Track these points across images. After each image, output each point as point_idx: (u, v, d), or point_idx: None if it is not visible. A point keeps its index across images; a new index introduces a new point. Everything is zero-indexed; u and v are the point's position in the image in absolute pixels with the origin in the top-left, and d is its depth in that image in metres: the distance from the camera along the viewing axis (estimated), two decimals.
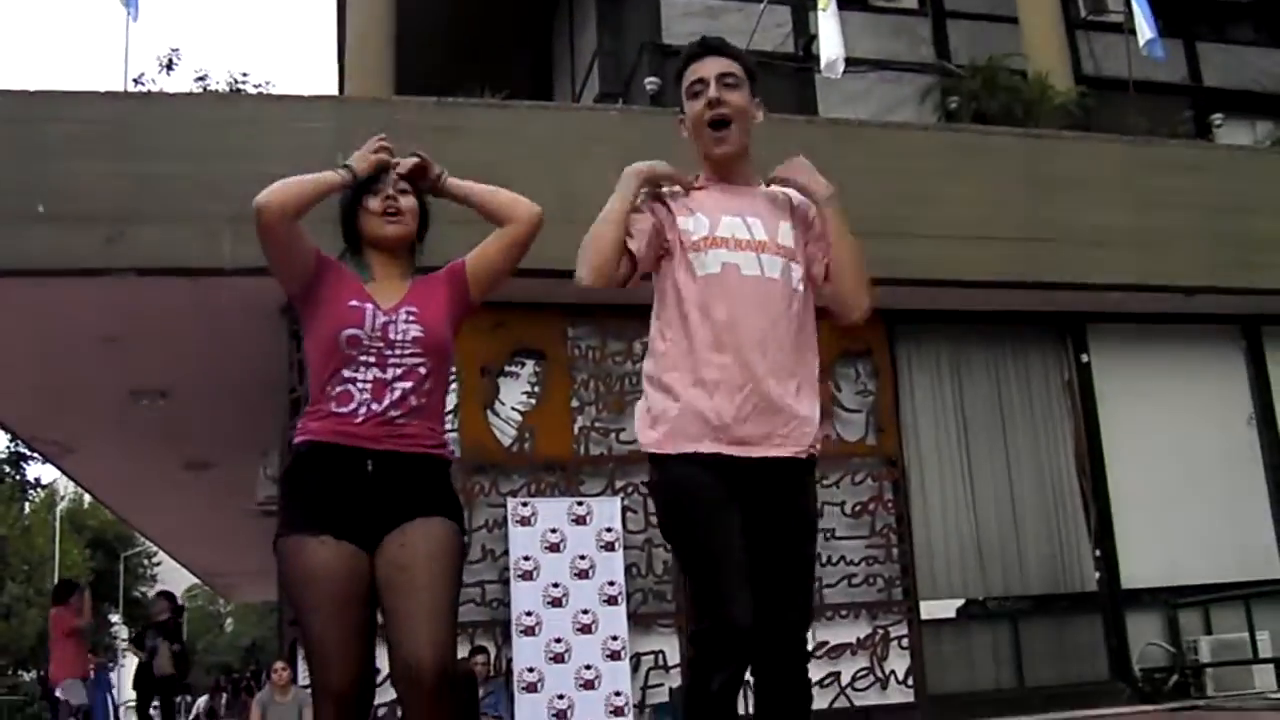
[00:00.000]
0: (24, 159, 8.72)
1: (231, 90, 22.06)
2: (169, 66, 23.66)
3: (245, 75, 31.67)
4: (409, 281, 3.24)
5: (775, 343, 3.04)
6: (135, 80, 21.23)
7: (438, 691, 2.87)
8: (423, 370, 3.09)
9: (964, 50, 13.45)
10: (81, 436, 13.26)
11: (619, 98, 13.17)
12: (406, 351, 3.08)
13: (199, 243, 8.60)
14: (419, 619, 2.91)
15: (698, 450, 2.96)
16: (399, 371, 3.07)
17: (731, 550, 2.90)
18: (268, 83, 26.90)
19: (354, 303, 3.10)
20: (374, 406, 3.03)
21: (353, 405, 3.03)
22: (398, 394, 3.06)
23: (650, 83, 12.27)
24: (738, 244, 3.08)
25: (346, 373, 3.06)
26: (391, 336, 3.07)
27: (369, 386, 3.05)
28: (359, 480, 3.00)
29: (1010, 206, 10.30)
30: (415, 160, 3.31)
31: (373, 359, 3.06)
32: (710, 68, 3.15)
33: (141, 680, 14.14)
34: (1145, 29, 11.63)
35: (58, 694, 12.24)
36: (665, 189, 3.20)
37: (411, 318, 3.12)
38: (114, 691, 16.01)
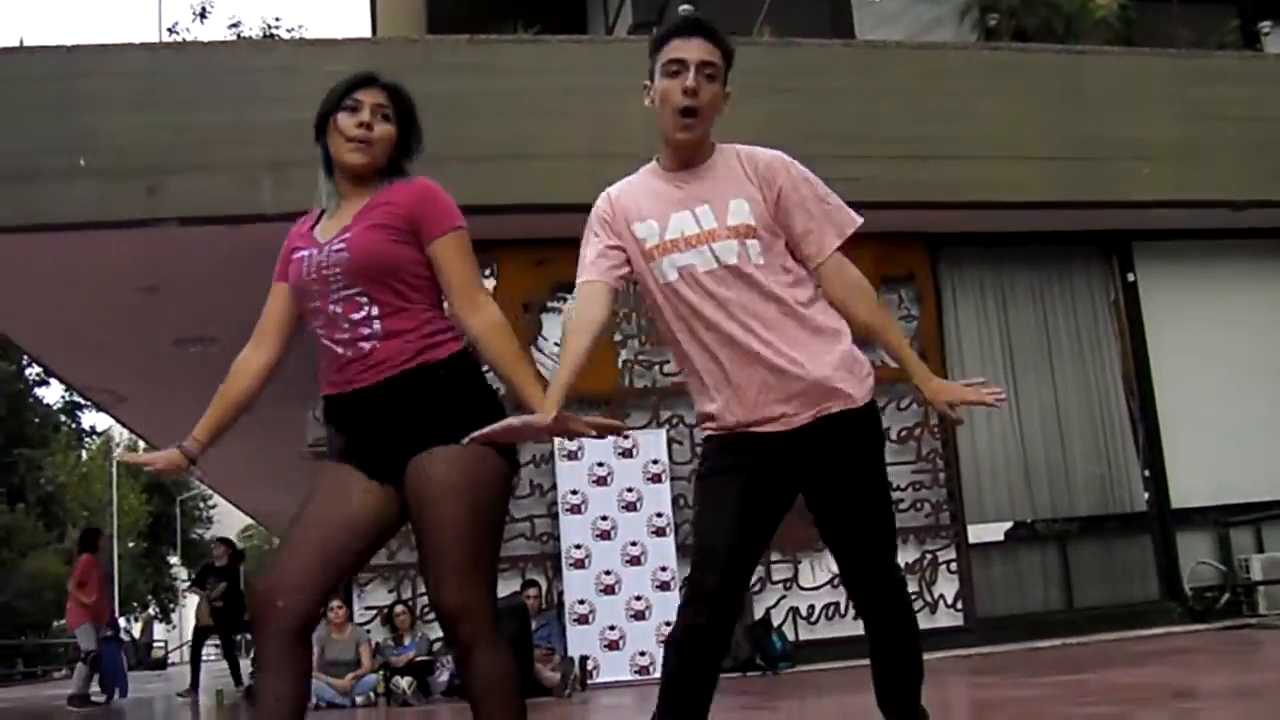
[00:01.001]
0: (64, 114, 8.78)
1: (265, 36, 22.05)
2: (202, 15, 23.69)
3: (278, 20, 31.64)
4: (368, 198, 3.04)
5: (755, 331, 2.97)
6: (170, 30, 21.26)
7: (459, 630, 2.81)
8: (361, 298, 2.92)
9: None
10: (132, 385, 13.42)
11: (653, 28, 13.03)
12: (339, 284, 2.92)
13: (238, 190, 8.65)
14: (433, 562, 2.83)
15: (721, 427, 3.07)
16: (339, 308, 2.93)
17: (721, 518, 2.98)
18: (300, 27, 26.86)
19: (296, 254, 3.02)
20: (338, 350, 2.94)
21: (328, 354, 2.97)
22: (346, 328, 2.93)
23: (684, 9, 12.14)
24: (688, 242, 3.00)
25: (312, 324, 3.01)
26: (325, 273, 2.94)
27: (325, 331, 2.96)
28: (356, 424, 2.95)
29: (1052, 124, 10.16)
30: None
31: (318, 302, 2.96)
32: (694, 52, 2.99)
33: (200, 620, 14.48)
34: None
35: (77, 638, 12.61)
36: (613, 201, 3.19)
37: (341, 245, 2.94)
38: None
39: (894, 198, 9.47)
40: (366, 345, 2.91)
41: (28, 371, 34.02)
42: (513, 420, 2.78)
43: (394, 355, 2.90)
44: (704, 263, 2.98)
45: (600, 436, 3.00)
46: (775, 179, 3.05)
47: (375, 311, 2.91)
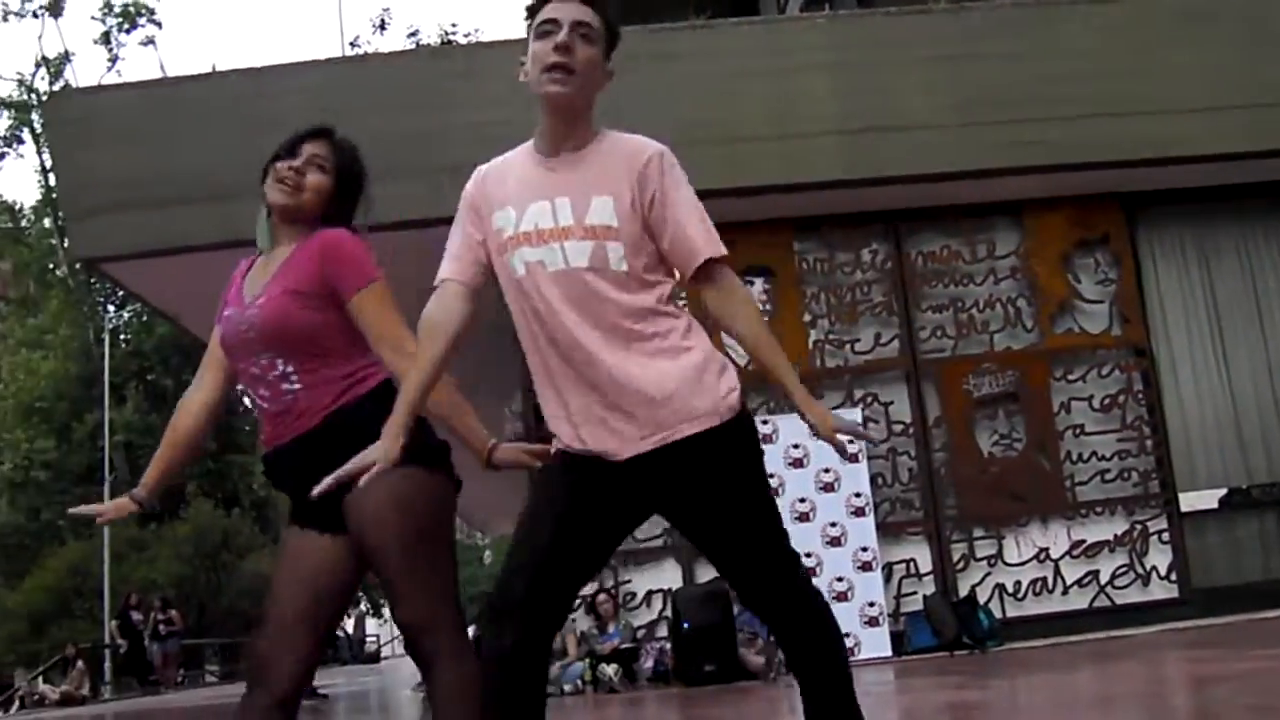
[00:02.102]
0: (257, 133, 9.08)
1: (443, 43, 22.56)
2: (382, 27, 24.45)
3: (455, 26, 32.31)
4: (290, 251, 3.09)
5: (591, 345, 2.67)
6: (351, 43, 21.92)
7: (418, 645, 2.86)
8: (278, 359, 2.95)
9: None
10: None
11: (825, 3, 12.93)
12: (256, 347, 2.96)
13: (424, 194, 8.85)
14: (384, 588, 2.91)
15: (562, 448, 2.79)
16: (257, 369, 2.97)
17: (532, 535, 2.70)
18: (477, 31, 27.36)
19: (225, 310, 3.09)
20: (265, 405, 2.99)
21: (258, 409, 3.05)
22: (268, 385, 2.97)
23: None
24: (540, 236, 2.71)
25: (240, 380, 3.09)
26: (244, 335, 2.99)
27: (251, 388, 3.02)
28: (294, 479, 2.94)
29: (1247, 71, 9.66)
30: None
31: (241, 362, 3.02)
32: (567, 12, 2.76)
33: None
34: None
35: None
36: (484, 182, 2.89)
37: (255, 311, 2.98)
38: None
39: (1084, 159, 9.19)
40: (289, 397, 2.94)
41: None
42: (360, 458, 2.63)
43: (316, 402, 2.92)
44: (552, 261, 2.69)
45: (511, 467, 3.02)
46: (650, 178, 2.77)
47: (292, 369, 2.94)
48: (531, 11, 2.84)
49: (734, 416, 2.70)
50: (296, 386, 2.94)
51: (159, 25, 35.35)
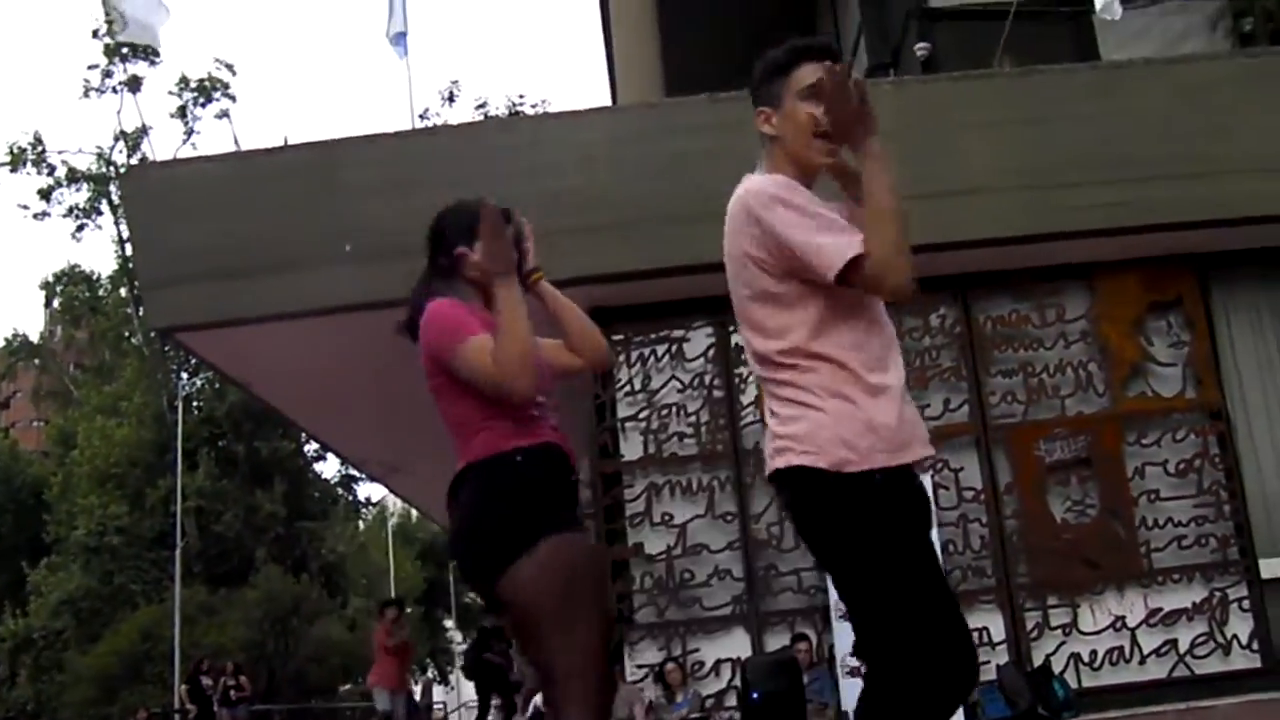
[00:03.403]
0: (327, 203, 9.28)
1: (510, 113, 22.87)
2: (450, 99, 24.84)
3: (522, 97, 32.76)
4: None
5: None
6: (421, 116, 22.29)
7: None
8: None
9: None
10: (403, 456, 13.97)
11: (890, 69, 12.96)
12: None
13: None
14: None
15: None
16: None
17: None
18: (544, 102, 27.73)
19: None
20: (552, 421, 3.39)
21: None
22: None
23: (920, 49, 12.01)
24: None
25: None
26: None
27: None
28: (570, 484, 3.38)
29: None
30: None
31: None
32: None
33: (484, 679, 15.10)
34: None
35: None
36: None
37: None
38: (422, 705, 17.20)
39: (1154, 220, 9.09)
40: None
41: (306, 448, 35.81)
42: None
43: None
44: None
45: None
46: None
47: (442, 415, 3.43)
48: (783, 68, 2.91)
49: (784, 467, 2.77)
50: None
51: (233, 99, 36.03)
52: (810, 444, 2.73)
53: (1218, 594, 9.33)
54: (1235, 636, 9.26)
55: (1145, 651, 9.20)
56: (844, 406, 2.75)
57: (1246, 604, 9.33)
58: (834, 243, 2.72)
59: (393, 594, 37.36)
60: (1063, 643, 9.24)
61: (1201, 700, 8.74)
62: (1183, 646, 9.19)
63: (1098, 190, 9.04)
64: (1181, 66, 10.27)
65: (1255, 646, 9.26)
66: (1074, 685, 9.02)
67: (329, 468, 40.10)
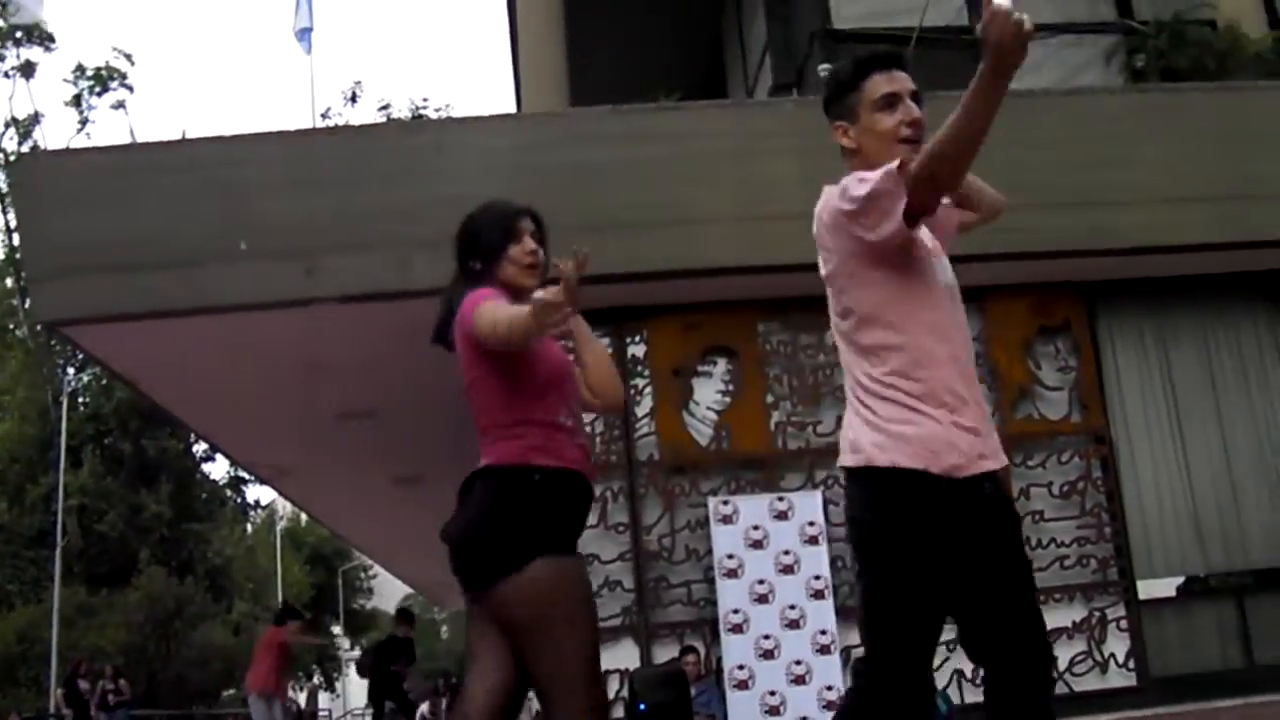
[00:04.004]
0: (226, 200, 9.13)
1: (413, 117, 22.71)
2: (353, 99, 24.60)
3: (426, 101, 32.54)
4: None
5: None
6: (323, 115, 22.04)
7: None
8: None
9: (1147, 5, 12.96)
10: (294, 458, 13.78)
11: (793, 88, 13.09)
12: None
13: (393, 267, 8.86)
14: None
15: None
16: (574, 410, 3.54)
17: None
18: (448, 106, 27.56)
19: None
20: (580, 439, 3.50)
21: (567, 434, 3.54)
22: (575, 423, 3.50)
23: (824, 69, 12.16)
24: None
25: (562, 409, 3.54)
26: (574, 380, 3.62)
27: (571, 420, 3.50)
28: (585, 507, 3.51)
29: (1208, 165, 9.84)
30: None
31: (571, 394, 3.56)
32: (904, 83, 3.03)
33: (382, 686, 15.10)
34: None
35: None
36: None
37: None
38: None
39: (1046, 247, 9.28)
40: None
41: (195, 449, 35.19)
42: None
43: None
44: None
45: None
46: None
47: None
48: (853, 82, 3.04)
49: (851, 466, 3.01)
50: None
51: (130, 89, 35.40)
52: None
53: (1097, 614, 9.55)
54: (1113, 655, 9.48)
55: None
56: None
57: (1124, 624, 9.56)
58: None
59: (280, 599, 36.85)
60: (947, 659, 9.35)
61: (1079, 717, 8.91)
62: (1062, 664, 9.38)
63: None
64: (1077, 98, 10.53)
65: (1131, 665, 9.48)
66: (956, 700, 9.16)
67: (218, 469, 39.49)
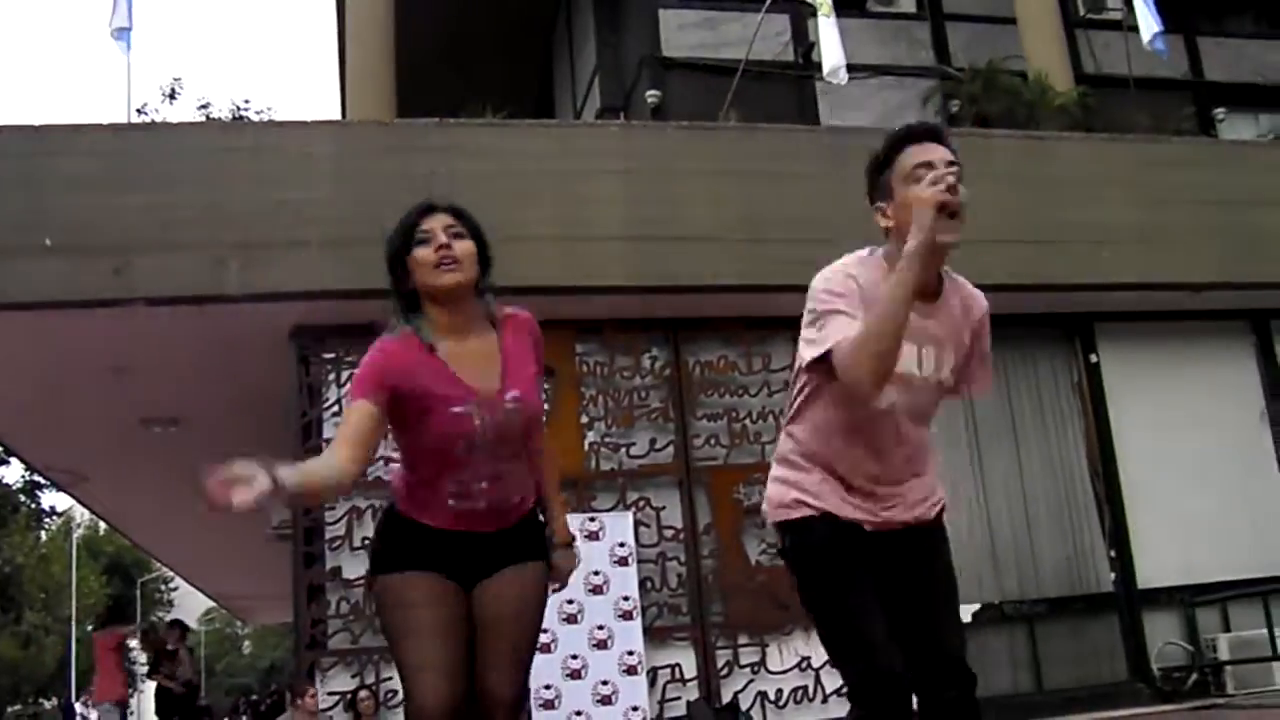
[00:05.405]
0: (30, 193, 8.76)
1: (234, 118, 22.17)
2: (172, 96, 23.81)
3: (248, 103, 31.82)
4: (492, 339, 3.17)
5: None
6: (138, 111, 21.33)
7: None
8: (513, 454, 3.17)
9: (964, 53, 13.48)
10: (94, 465, 13.29)
11: (620, 112, 13.21)
12: (509, 441, 3.12)
13: (206, 270, 8.62)
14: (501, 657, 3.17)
15: None
16: (492, 467, 3.11)
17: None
18: (270, 109, 27.02)
19: (457, 409, 3.01)
20: (477, 502, 3.15)
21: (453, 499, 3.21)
22: (487, 485, 3.15)
23: (651, 95, 12.30)
24: (906, 382, 3.06)
25: (440, 475, 3.14)
26: (506, 429, 3.07)
27: (466, 483, 3.12)
28: (478, 558, 3.26)
29: (1015, 209, 10.25)
30: None
31: (474, 456, 3.08)
32: (942, 153, 2.87)
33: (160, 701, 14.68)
34: (1150, 23, 11.64)
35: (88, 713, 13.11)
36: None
37: (517, 400, 3.10)
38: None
39: None
40: (505, 492, 3.18)
41: None
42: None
43: (524, 498, 3.31)
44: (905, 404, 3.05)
45: None
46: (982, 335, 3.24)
47: (515, 463, 3.20)
48: (887, 160, 2.93)
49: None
50: (512, 480, 3.15)
51: None
52: None
53: None
54: None
55: (828, 691, 9.54)
56: None
57: None
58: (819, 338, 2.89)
59: (73, 609, 35.42)
60: (751, 680, 9.52)
61: None
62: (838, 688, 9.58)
63: (810, 247, 9.30)
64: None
65: None
66: None
67: (11, 473, 37.75)
